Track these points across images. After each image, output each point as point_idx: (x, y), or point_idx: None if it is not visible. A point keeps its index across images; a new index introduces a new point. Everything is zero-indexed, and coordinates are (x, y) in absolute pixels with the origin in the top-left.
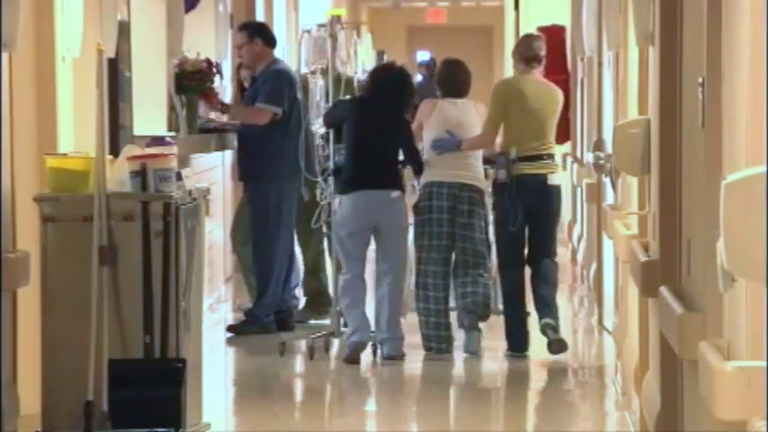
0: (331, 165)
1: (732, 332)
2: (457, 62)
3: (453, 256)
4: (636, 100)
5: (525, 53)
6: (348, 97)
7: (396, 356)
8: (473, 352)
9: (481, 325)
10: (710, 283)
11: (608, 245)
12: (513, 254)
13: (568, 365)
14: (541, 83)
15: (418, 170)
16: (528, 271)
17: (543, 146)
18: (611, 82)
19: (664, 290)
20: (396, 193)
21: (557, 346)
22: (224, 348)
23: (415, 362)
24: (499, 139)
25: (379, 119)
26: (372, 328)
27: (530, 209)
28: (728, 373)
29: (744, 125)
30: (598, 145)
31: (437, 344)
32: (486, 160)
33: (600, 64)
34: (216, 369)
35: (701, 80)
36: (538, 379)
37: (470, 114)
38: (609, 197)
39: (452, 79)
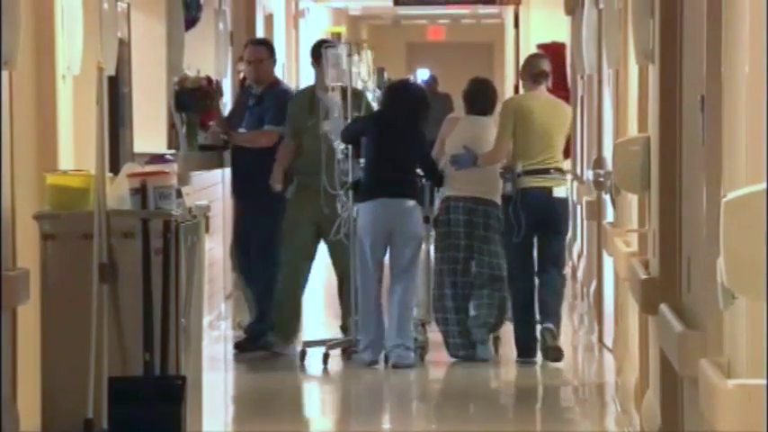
0: (350, 179)
1: (732, 350)
2: (485, 81)
3: (473, 267)
4: (636, 117)
5: (532, 70)
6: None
7: (401, 365)
8: (485, 359)
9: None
10: (711, 301)
11: (608, 262)
12: (521, 264)
13: (569, 382)
14: (549, 99)
15: (438, 183)
16: (536, 280)
17: (549, 160)
18: (611, 100)
19: (664, 307)
20: (411, 203)
21: (553, 353)
22: (224, 365)
23: (419, 371)
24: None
25: (396, 132)
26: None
27: (536, 221)
28: (729, 391)
29: (744, 143)
30: (598, 162)
31: (464, 350)
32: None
33: (600, 82)
34: (216, 386)
35: (700, 98)
36: (538, 396)
37: (490, 131)
38: (609, 214)
39: (479, 97)
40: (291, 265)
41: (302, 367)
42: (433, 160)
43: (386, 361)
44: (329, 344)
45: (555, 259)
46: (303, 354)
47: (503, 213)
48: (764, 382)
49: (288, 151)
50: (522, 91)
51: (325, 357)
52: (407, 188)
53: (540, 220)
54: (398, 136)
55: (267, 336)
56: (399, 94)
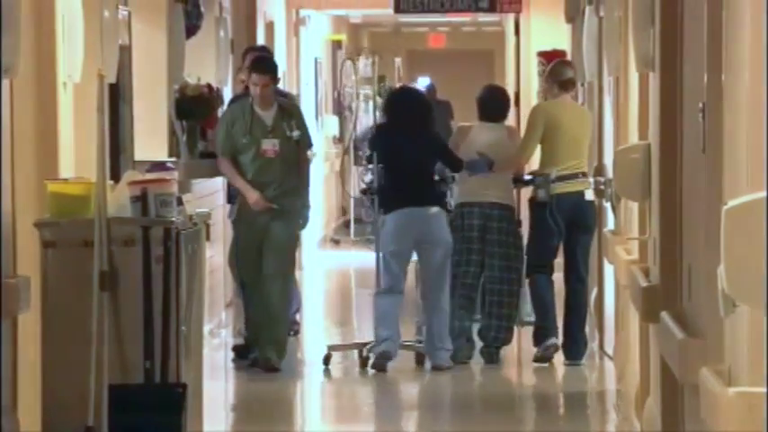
0: (364, 184)
1: (733, 357)
2: (498, 88)
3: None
4: (636, 125)
5: (561, 78)
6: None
7: (442, 366)
8: (491, 362)
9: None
10: (711, 309)
11: (609, 270)
12: (546, 265)
13: (570, 390)
14: (575, 106)
15: (458, 168)
16: (556, 280)
17: (578, 165)
18: (612, 107)
19: (664, 315)
20: (435, 209)
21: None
22: (225, 373)
23: (422, 376)
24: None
25: (404, 139)
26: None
27: (569, 224)
28: (729, 399)
29: (744, 150)
30: (599, 170)
31: (458, 353)
32: (516, 180)
33: (600, 89)
34: (216, 394)
35: (701, 105)
36: (539, 403)
37: (504, 138)
38: (610, 222)
39: (493, 104)
40: (252, 287)
41: (327, 371)
42: (454, 155)
43: (420, 362)
44: (369, 346)
45: (585, 257)
46: (328, 358)
47: (536, 218)
48: (765, 389)
49: (231, 166)
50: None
51: (365, 360)
52: (429, 194)
53: (574, 222)
54: (408, 142)
55: (255, 353)
56: (396, 100)
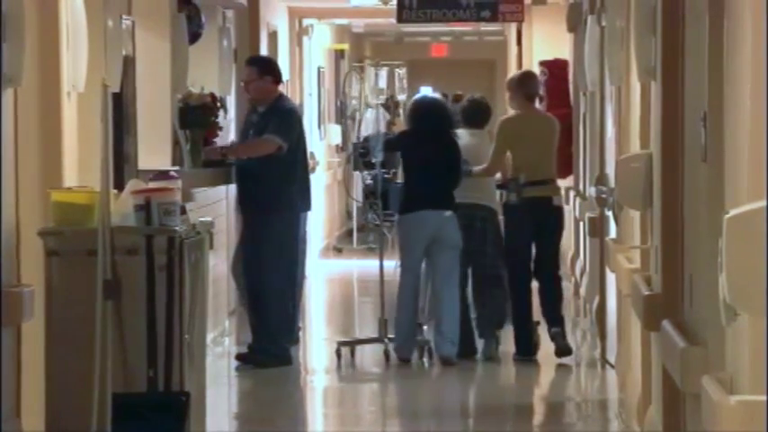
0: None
1: (734, 366)
2: (480, 100)
3: (470, 271)
4: (638, 134)
5: (528, 91)
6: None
7: (450, 360)
8: (490, 357)
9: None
10: (713, 317)
11: (611, 278)
12: (521, 268)
13: (572, 398)
14: (540, 116)
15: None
16: (535, 284)
17: (545, 171)
18: (614, 116)
19: (666, 324)
20: (448, 213)
21: (565, 350)
22: (228, 381)
23: (421, 375)
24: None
25: (426, 147)
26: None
27: (538, 227)
28: (731, 407)
29: (745, 159)
30: (601, 179)
31: (459, 349)
32: (500, 185)
33: (602, 98)
34: (219, 402)
35: (702, 114)
36: (541, 412)
37: (484, 141)
38: (612, 231)
39: (474, 113)
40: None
41: (339, 367)
42: (459, 167)
43: (429, 355)
44: (389, 341)
45: (554, 259)
46: (339, 353)
47: (508, 221)
48: (766, 398)
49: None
50: (507, 104)
51: (387, 354)
52: (444, 199)
53: (543, 226)
54: (430, 151)
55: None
56: (420, 110)
